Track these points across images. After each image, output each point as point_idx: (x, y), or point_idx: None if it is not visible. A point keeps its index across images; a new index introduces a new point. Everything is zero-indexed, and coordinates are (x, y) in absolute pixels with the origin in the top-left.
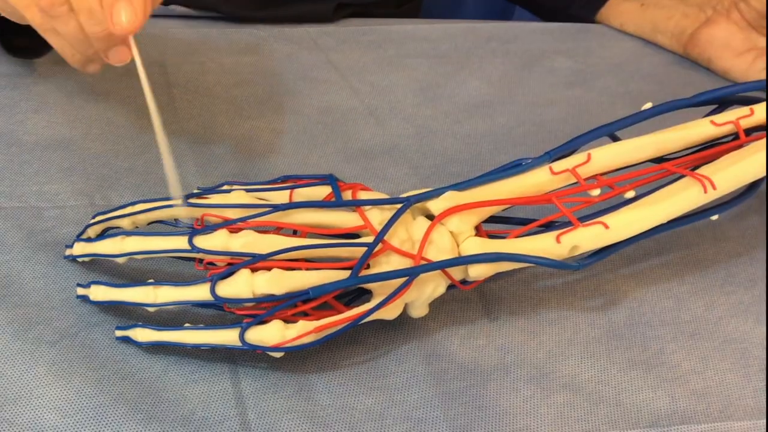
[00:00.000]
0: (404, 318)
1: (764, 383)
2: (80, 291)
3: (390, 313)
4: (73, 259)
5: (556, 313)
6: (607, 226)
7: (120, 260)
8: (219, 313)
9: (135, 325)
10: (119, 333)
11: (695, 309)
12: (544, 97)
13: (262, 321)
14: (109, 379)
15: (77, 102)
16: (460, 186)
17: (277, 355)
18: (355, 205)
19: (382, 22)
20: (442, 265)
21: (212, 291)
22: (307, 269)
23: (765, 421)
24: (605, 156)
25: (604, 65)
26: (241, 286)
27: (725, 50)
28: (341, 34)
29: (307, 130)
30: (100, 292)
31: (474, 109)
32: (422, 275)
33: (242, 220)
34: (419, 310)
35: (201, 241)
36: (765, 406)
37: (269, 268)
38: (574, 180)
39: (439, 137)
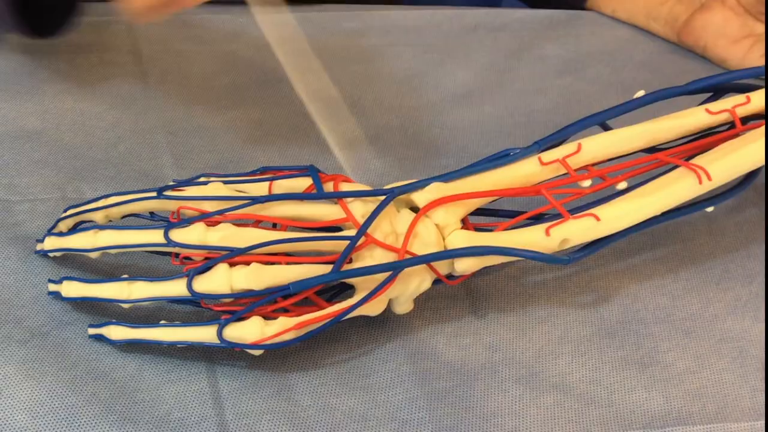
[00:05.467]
0: (388, 315)
1: (762, 383)
2: (52, 287)
3: (373, 308)
4: (44, 254)
5: (546, 310)
6: (598, 219)
7: (93, 255)
8: (196, 309)
9: (108, 323)
10: (92, 331)
11: (690, 306)
12: (533, 86)
13: (240, 318)
14: (81, 378)
15: (48, 92)
16: (446, 177)
17: (257, 353)
18: (337, 197)
19: (364, 8)
20: (428, 259)
21: (189, 286)
22: (288, 264)
23: (764, 422)
24: (596, 146)
25: (595, 53)
26: (218, 281)
27: (720, 37)
28: (322, 21)
29: (287, 121)
30: (72, 288)
31: (460, 99)
32: (407, 270)
33: (220, 213)
34: (404, 306)
35: (177, 235)
36: (763, 406)
37: (248, 263)
38: (564, 171)
39: (425, 128)
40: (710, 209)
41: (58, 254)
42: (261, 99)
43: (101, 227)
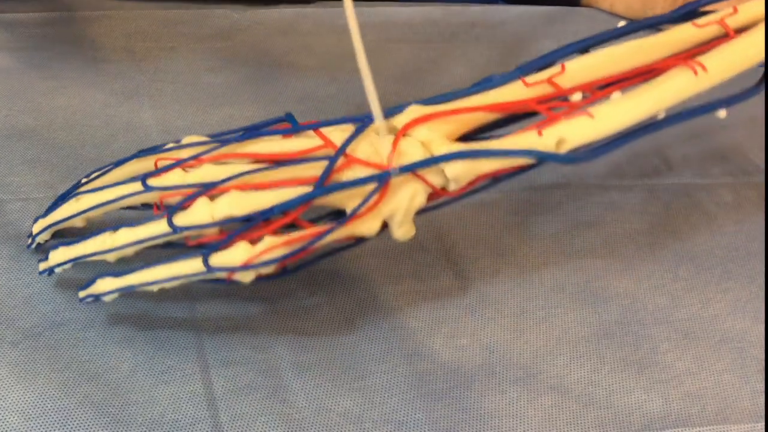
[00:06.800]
0: (384, 315)
1: (762, 384)
2: (42, 266)
3: (368, 227)
4: (37, 246)
5: (544, 311)
6: (592, 116)
7: (79, 223)
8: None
9: (95, 279)
10: (82, 293)
11: (690, 306)
12: None
13: (225, 247)
14: (74, 380)
15: (41, 90)
16: (426, 101)
17: (248, 278)
18: (313, 128)
19: (361, 4)
20: (414, 167)
21: (170, 222)
22: (270, 189)
23: (763, 423)
24: (581, 66)
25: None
26: (199, 213)
27: None
28: (318, 17)
29: None
30: (59, 255)
31: None
32: (395, 183)
33: (196, 156)
34: (403, 228)
35: (156, 181)
36: (763, 408)
37: None
38: (551, 94)
39: None
40: (723, 114)
41: (47, 236)
42: (255, 96)
43: (82, 193)
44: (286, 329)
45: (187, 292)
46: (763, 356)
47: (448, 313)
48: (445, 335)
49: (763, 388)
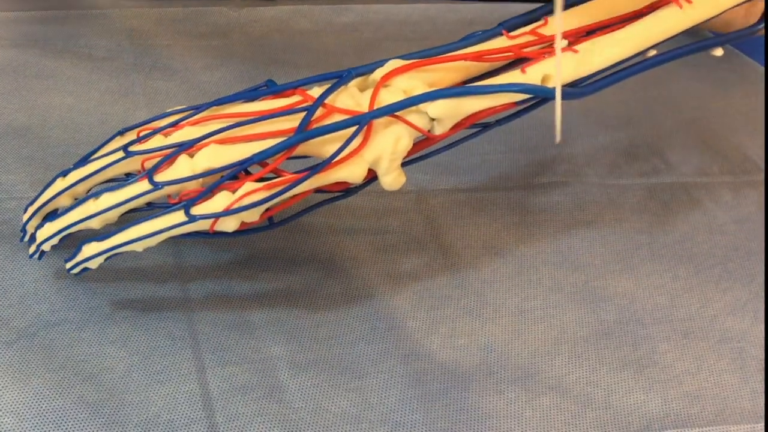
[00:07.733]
0: (381, 315)
1: (762, 384)
2: (32, 249)
3: (350, 171)
4: (28, 235)
5: (542, 310)
6: (576, 51)
7: (65, 200)
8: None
9: (81, 246)
10: (69, 264)
11: (689, 306)
12: None
13: (206, 199)
14: (69, 381)
15: (35, 88)
16: (407, 56)
17: (232, 225)
18: (291, 87)
19: (358, 1)
20: (393, 108)
21: (150, 179)
22: (248, 141)
23: (763, 424)
24: (564, 18)
25: None
26: (180, 168)
27: None
28: (315, 15)
29: None
30: (45, 230)
31: None
32: (378, 127)
33: (176, 123)
34: (391, 176)
35: (138, 147)
36: (763, 409)
37: None
38: (534, 42)
39: None
40: (719, 51)
41: (36, 222)
42: None
43: (69, 170)
44: (282, 329)
45: (183, 291)
46: (763, 356)
47: (446, 312)
48: (442, 335)
49: (762, 389)
